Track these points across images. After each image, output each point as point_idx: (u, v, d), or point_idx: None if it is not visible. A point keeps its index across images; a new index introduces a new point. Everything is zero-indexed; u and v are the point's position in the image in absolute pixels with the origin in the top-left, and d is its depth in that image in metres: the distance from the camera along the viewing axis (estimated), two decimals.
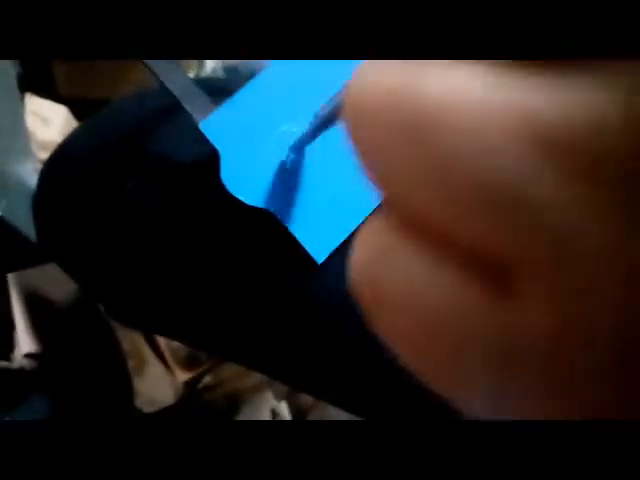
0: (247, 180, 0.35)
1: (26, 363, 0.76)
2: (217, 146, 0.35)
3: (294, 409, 0.85)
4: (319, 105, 0.36)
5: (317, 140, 0.37)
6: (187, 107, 0.35)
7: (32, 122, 0.79)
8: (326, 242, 0.36)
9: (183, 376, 0.83)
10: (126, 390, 0.77)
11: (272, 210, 0.36)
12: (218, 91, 0.40)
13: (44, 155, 0.81)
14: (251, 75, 0.42)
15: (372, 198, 0.37)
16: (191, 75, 1.04)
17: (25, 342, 0.77)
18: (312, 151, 0.36)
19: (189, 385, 0.84)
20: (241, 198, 0.35)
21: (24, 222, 0.55)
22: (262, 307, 0.42)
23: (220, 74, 1.10)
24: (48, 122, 0.80)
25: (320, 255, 0.36)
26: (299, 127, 0.36)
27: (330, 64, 0.37)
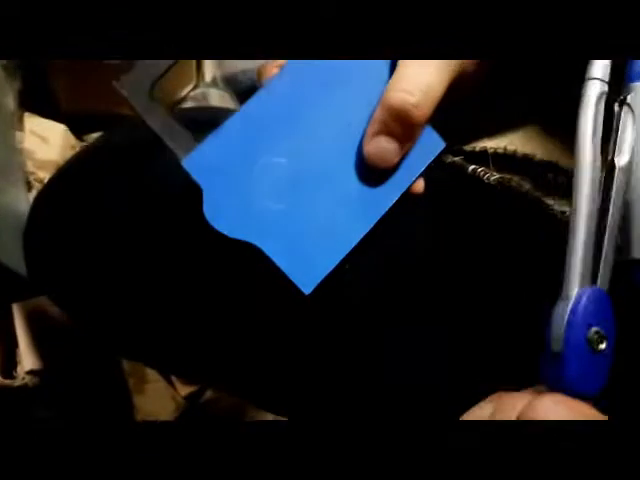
0: (230, 213, 0.36)
1: (29, 380, 0.77)
2: (200, 182, 0.35)
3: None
4: (301, 136, 0.37)
5: (302, 169, 0.37)
6: (169, 144, 0.35)
7: (31, 141, 0.80)
8: (313, 273, 0.37)
9: (184, 390, 0.84)
10: (124, 407, 0.77)
11: (257, 243, 0.36)
12: (200, 123, 0.40)
13: (42, 174, 0.81)
14: (251, 83, 0.42)
15: (359, 227, 0.37)
16: (191, 86, 1.04)
17: (28, 359, 0.77)
18: (296, 180, 0.37)
19: (190, 399, 0.84)
20: (224, 232, 0.35)
21: (15, 257, 0.55)
22: (251, 340, 0.42)
23: (219, 84, 1.10)
24: (47, 141, 0.81)
25: (308, 286, 0.36)
26: (281, 159, 0.36)
27: (311, 95, 0.37)
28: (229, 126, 0.36)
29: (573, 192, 0.30)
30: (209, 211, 0.35)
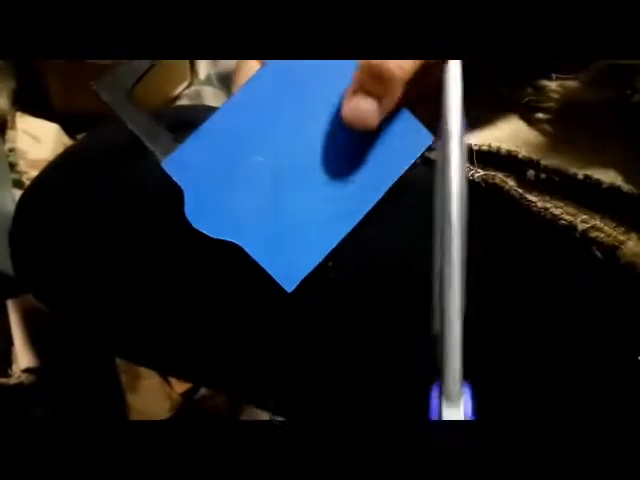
0: (211, 214, 0.36)
1: (25, 378, 0.77)
2: (181, 184, 0.36)
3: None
4: (282, 135, 0.37)
5: (284, 168, 0.37)
6: (149, 147, 0.35)
7: (23, 141, 0.80)
8: (295, 271, 0.37)
9: (180, 388, 0.84)
10: (118, 406, 0.78)
11: (238, 242, 0.36)
12: (183, 122, 0.40)
13: (35, 173, 0.81)
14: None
15: (342, 225, 0.37)
16: (185, 83, 1.04)
17: (23, 357, 0.77)
18: (278, 179, 0.37)
19: (186, 397, 0.84)
20: (205, 232, 0.35)
21: (1, 256, 0.55)
22: (235, 337, 0.42)
23: (214, 81, 1.10)
24: (39, 140, 0.81)
25: (290, 284, 0.37)
26: (261, 158, 0.37)
27: (290, 94, 0.37)
28: (209, 126, 0.36)
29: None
30: (190, 212, 0.36)
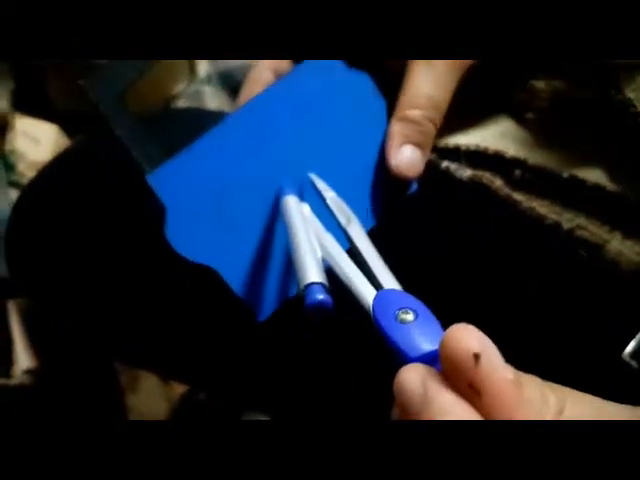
0: (191, 236, 0.35)
1: (25, 379, 0.78)
2: (164, 201, 0.34)
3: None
4: (270, 166, 0.36)
5: (271, 199, 0.36)
6: (135, 155, 0.35)
7: (22, 142, 0.80)
8: (268, 302, 0.36)
9: (179, 388, 0.84)
10: (117, 406, 0.78)
11: (216, 268, 0.35)
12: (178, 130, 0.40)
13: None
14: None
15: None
16: (184, 82, 1.04)
17: (24, 358, 0.78)
18: (258, 208, 0.36)
19: (185, 398, 0.84)
20: (183, 254, 0.34)
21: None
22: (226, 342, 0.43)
23: (214, 80, 1.10)
24: (38, 142, 0.81)
25: (262, 314, 0.36)
26: (247, 188, 0.36)
27: (283, 122, 0.36)
28: (198, 146, 0.35)
29: None
30: (170, 231, 0.34)
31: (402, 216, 0.41)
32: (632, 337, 0.32)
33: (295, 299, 0.36)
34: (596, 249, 0.35)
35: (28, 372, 0.77)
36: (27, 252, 0.46)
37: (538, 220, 0.37)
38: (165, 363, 0.46)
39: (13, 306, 0.78)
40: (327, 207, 0.35)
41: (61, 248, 0.44)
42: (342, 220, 0.33)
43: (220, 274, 0.35)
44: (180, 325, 0.43)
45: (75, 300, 0.45)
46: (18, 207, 0.48)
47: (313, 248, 0.30)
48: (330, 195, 0.35)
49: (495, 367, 0.20)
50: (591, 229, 0.36)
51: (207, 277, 0.35)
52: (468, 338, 0.20)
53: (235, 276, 0.35)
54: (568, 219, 0.36)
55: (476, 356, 0.20)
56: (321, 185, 0.36)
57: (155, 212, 0.35)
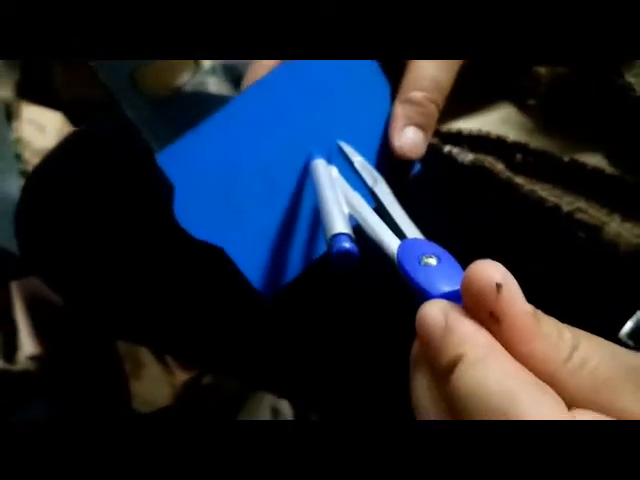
0: (199, 215, 0.35)
1: (30, 365, 0.78)
2: (172, 179, 0.35)
3: (296, 406, 0.84)
4: (280, 146, 0.37)
5: (277, 178, 0.37)
6: (145, 136, 0.35)
7: (28, 130, 0.81)
8: (274, 281, 0.37)
9: (182, 376, 0.84)
10: (122, 393, 0.78)
11: (223, 246, 0.36)
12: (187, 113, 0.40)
13: None
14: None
15: (322, 242, 0.37)
16: (189, 74, 1.04)
17: (28, 344, 0.78)
18: (269, 188, 0.37)
19: (188, 385, 0.85)
20: (191, 232, 0.35)
21: (7, 237, 0.56)
22: (235, 320, 0.43)
23: (219, 72, 1.10)
24: (44, 129, 0.82)
25: (268, 293, 0.37)
26: (255, 167, 0.36)
27: (292, 104, 0.37)
28: (208, 126, 0.35)
29: None
30: (178, 210, 0.35)
31: (405, 200, 0.42)
32: (629, 317, 0.32)
33: (301, 277, 0.37)
34: (595, 231, 0.36)
35: (32, 358, 0.77)
36: (37, 230, 0.47)
37: (539, 203, 0.38)
38: (175, 342, 0.47)
39: (17, 292, 0.78)
40: (354, 170, 0.36)
41: (69, 226, 0.45)
42: (369, 181, 0.34)
43: (227, 252, 0.35)
44: (189, 304, 0.43)
45: (84, 278, 0.46)
46: (27, 187, 0.48)
47: (340, 204, 0.31)
48: (357, 159, 0.36)
49: (516, 299, 0.21)
50: (590, 212, 0.36)
51: (215, 256, 0.35)
52: (492, 269, 0.21)
53: (242, 255, 0.36)
54: (568, 202, 0.37)
55: (498, 286, 0.20)
56: (349, 150, 0.37)
57: (163, 191, 0.35)
